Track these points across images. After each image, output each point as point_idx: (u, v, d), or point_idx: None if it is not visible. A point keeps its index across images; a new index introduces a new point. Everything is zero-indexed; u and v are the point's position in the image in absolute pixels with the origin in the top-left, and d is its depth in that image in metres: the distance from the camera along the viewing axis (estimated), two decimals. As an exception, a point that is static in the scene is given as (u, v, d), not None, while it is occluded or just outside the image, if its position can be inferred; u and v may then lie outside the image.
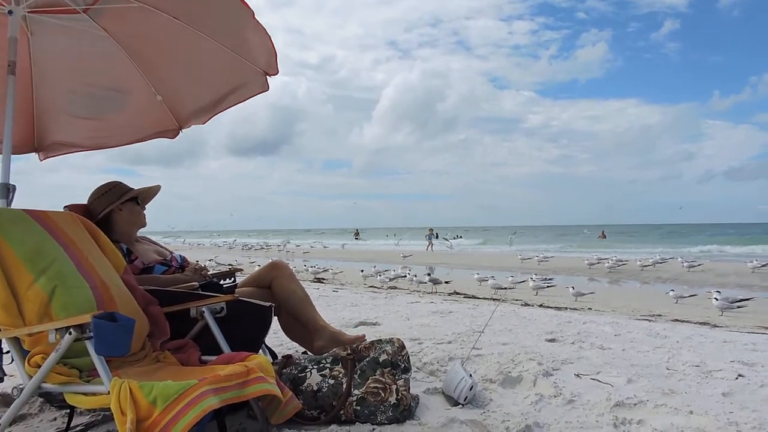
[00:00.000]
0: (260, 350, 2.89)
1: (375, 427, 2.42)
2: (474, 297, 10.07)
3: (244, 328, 2.66)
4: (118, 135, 3.71)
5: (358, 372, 2.56)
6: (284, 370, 2.60)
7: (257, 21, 2.69)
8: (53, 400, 2.63)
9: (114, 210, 2.95)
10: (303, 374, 2.57)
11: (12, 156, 2.73)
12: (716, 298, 9.34)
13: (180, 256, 3.17)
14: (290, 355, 2.76)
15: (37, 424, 2.55)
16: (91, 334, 1.77)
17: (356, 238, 58.95)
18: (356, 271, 15.94)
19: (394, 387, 2.49)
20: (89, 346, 1.80)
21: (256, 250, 37.89)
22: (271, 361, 2.66)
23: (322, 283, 13.33)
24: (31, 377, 1.94)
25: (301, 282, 3.25)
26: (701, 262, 18.56)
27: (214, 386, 1.82)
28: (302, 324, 3.10)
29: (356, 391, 2.49)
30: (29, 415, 2.63)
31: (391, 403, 2.45)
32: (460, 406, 2.68)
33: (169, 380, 1.79)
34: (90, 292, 2.23)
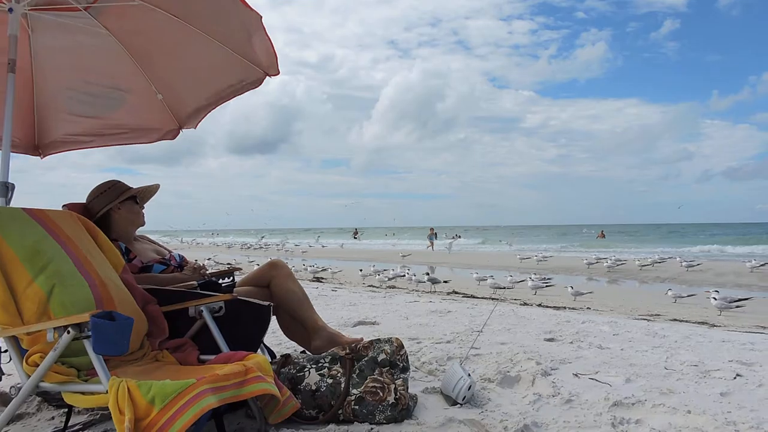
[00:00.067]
0: (259, 349, 2.89)
1: (373, 426, 2.42)
2: (473, 296, 10.07)
3: (243, 327, 2.66)
4: (119, 134, 3.71)
5: (357, 371, 2.55)
6: (282, 370, 2.60)
7: (261, 23, 2.68)
8: (51, 399, 2.64)
9: (113, 209, 2.94)
10: (301, 374, 2.57)
11: (11, 154, 2.72)
12: (715, 298, 9.36)
13: (179, 255, 3.17)
14: (289, 354, 2.75)
15: (35, 423, 2.54)
16: (90, 333, 1.77)
17: (355, 238, 58.92)
18: (355, 271, 15.94)
19: (392, 386, 2.49)
20: (87, 345, 1.80)
21: (255, 249, 37.89)
22: (270, 360, 2.66)
23: (321, 282, 13.33)
24: (29, 376, 1.94)
25: (299, 281, 3.25)
26: (700, 262, 18.59)
27: (213, 385, 1.82)
28: (301, 323, 3.10)
29: (354, 391, 2.49)
30: (27, 414, 2.63)
31: (390, 402, 2.45)
32: (459, 405, 2.68)
33: (167, 379, 1.78)
34: (89, 290, 2.23)
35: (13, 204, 2.65)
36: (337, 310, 6.30)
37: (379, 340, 2.70)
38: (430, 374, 3.27)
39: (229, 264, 17.25)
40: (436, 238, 38.73)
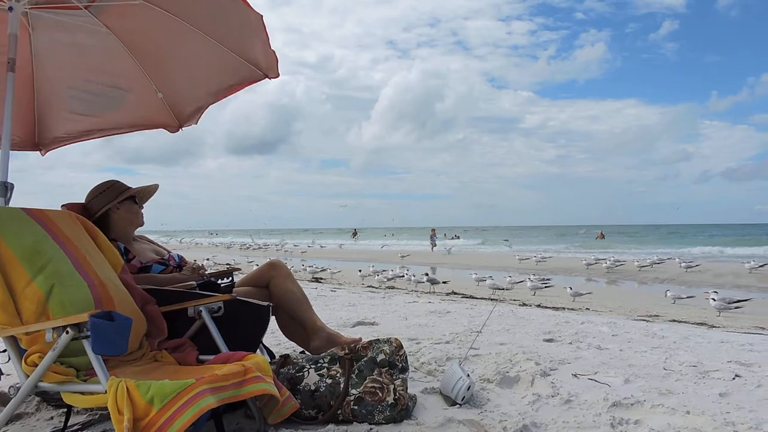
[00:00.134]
0: (258, 350, 2.89)
1: (372, 426, 2.41)
2: (472, 297, 10.08)
3: (242, 327, 2.66)
4: (119, 128, 3.72)
5: (356, 372, 2.55)
6: (282, 370, 2.59)
7: (262, 23, 2.68)
8: (50, 399, 2.64)
9: (111, 209, 2.94)
10: (300, 374, 2.57)
11: (10, 153, 2.72)
12: (714, 299, 9.37)
13: (178, 255, 3.17)
14: (288, 354, 2.75)
15: (34, 423, 2.54)
16: (89, 333, 1.76)
17: (354, 238, 58.91)
18: (354, 271, 15.94)
19: (391, 387, 2.49)
20: (86, 345, 1.80)
21: (254, 249, 37.88)
22: (269, 360, 2.66)
23: (320, 282, 13.34)
24: (28, 376, 1.93)
25: (298, 282, 3.25)
26: (699, 263, 18.60)
27: (212, 385, 1.82)
28: (300, 324, 3.10)
29: (354, 391, 2.49)
30: (26, 414, 2.63)
31: (389, 402, 2.45)
32: (458, 405, 2.67)
33: (166, 379, 1.78)
34: (88, 290, 2.22)
35: (12, 204, 2.64)
36: (336, 311, 6.30)
37: (378, 340, 2.70)
38: (429, 374, 3.27)
39: (228, 264, 17.25)
40: (436, 238, 38.78)
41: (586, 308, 8.95)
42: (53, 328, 1.85)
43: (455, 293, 11.05)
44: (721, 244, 36.84)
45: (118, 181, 3.05)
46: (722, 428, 2.43)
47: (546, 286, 12.39)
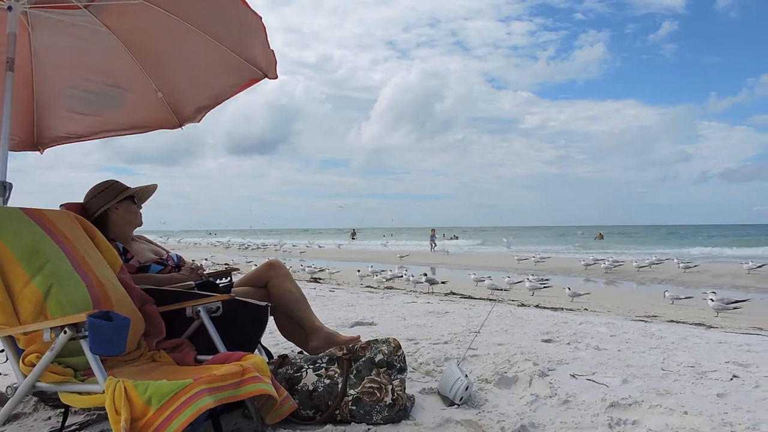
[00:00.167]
0: (256, 350, 2.89)
1: (370, 427, 2.41)
2: (470, 297, 10.08)
3: (240, 327, 2.66)
4: (119, 128, 3.72)
5: (354, 372, 2.55)
6: (280, 370, 2.59)
7: (261, 23, 2.68)
8: (48, 399, 2.63)
9: (110, 209, 2.94)
10: (299, 374, 2.57)
11: (9, 153, 2.72)
12: (712, 299, 9.38)
13: (176, 255, 3.17)
14: (286, 354, 2.75)
15: (32, 423, 2.54)
16: (86, 333, 1.76)
17: (353, 238, 58.91)
18: (353, 271, 15.95)
19: (389, 387, 2.49)
20: (84, 345, 1.80)
21: (252, 249, 37.88)
22: (267, 360, 2.66)
23: (319, 283, 13.34)
24: (25, 376, 1.93)
25: (297, 282, 3.25)
26: (697, 263, 18.63)
27: (210, 386, 1.82)
28: (298, 324, 3.10)
29: (352, 391, 2.49)
30: (23, 414, 2.62)
31: (387, 403, 2.45)
32: (456, 406, 2.68)
33: (164, 380, 1.78)
34: (86, 290, 2.22)
35: (11, 203, 2.64)
36: (335, 311, 6.30)
37: (376, 340, 2.70)
38: (428, 375, 3.27)
39: (226, 264, 17.24)
40: (436, 239, 38.82)
41: (585, 309, 8.96)
42: (51, 328, 1.85)
43: (454, 293, 11.05)
44: (720, 245, 36.90)
45: (117, 181, 3.05)
46: (720, 428, 2.44)
47: (544, 287, 12.40)
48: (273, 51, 2.90)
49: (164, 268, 2.96)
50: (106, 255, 2.55)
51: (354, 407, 2.45)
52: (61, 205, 2.86)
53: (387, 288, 12.37)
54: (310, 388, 2.51)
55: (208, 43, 2.97)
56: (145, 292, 2.56)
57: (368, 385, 2.49)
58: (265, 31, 2.74)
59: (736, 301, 9.53)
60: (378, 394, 2.46)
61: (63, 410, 2.41)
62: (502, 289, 12.31)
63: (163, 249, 3.21)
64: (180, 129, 3.63)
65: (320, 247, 40.92)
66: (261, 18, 2.65)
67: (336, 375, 2.54)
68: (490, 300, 9.58)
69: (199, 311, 2.49)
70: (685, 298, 11.02)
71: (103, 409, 1.72)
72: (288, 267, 3.27)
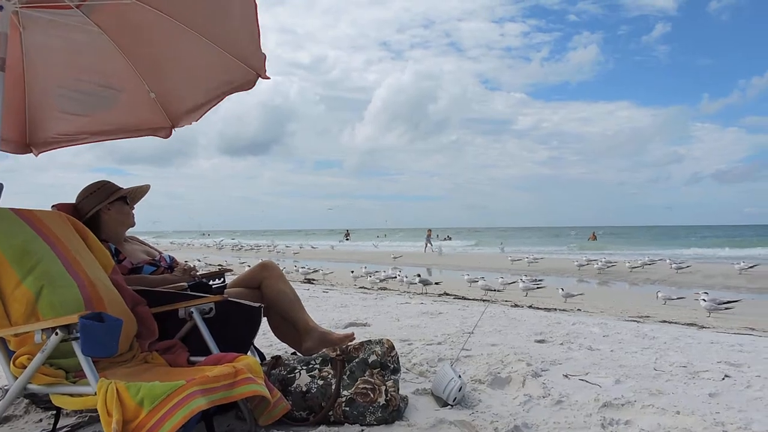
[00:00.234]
0: (249, 351, 2.88)
1: (364, 428, 2.41)
2: (464, 298, 10.09)
3: (233, 328, 2.65)
4: (111, 131, 3.69)
5: (348, 373, 2.55)
6: (273, 371, 2.59)
7: (256, 23, 2.68)
8: (39, 401, 2.61)
9: (102, 209, 2.93)
10: (292, 375, 2.56)
11: (0, 154, 2.70)
12: (704, 300, 9.42)
13: (169, 256, 3.15)
14: (279, 356, 2.75)
15: (23, 426, 2.52)
16: (78, 334, 1.75)
17: (347, 239, 58.89)
18: (347, 272, 15.93)
19: (383, 388, 2.49)
20: (76, 346, 1.79)
21: (246, 250, 37.78)
22: (260, 362, 2.66)
23: (313, 283, 13.31)
24: (16, 378, 1.92)
25: (291, 283, 3.24)
26: (689, 264, 18.70)
27: (202, 387, 1.81)
28: (292, 325, 3.09)
29: (345, 392, 2.48)
30: (14, 417, 2.61)
31: (380, 404, 2.45)
32: (449, 406, 2.68)
33: (156, 381, 1.78)
34: (78, 291, 2.21)
35: (2, 204, 2.62)
36: (329, 312, 6.29)
37: (370, 341, 2.70)
38: (421, 375, 3.27)
39: (219, 265, 17.20)
40: (430, 239, 38.86)
41: (578, 309, 8.98)
42: (42, 330, 1.84)
43: (447, 294, 11.06)
44: (712, 246, 37.08)
45: (109, 182, 3.04)
46: (712, 428, 2.45)
47: (538, 287, 12.42)
48: (262, 52, 2.89)
49: (157, 269, 2.95)
50: (98, 256, 2.54)
51: (347, 408, 2.45)
52: (53, 206, 2.84)
53: (381, 289, 12.37)
54: (304, 389, 2.51)
55: (200, 42, 2.96)
56: (138, 293, 2.55)
57: (362, 386, 2.49)
58: (258, 31, 2.74)
59: (728, 302, 9.57)
60: (371, 395, 2.46)
61: (54, 412, 2.40)
62: (495, 290, 12.33)
63: (156, 250, 3.20)
64: (172, 133, 3.61)
65: (313, 247, 40.86)
66: (257, 27, 2.65)
67: (329, 376, 2.54)
68: (484, 301, 9.60)
69: (192, 312, 2.48)
70: (678, 298, 11.06)
71: (95, 411, 1.72)
72: (281, 268, 3.27)
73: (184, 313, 2.52)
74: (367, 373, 2.55)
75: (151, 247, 3.21)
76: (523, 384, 3.08)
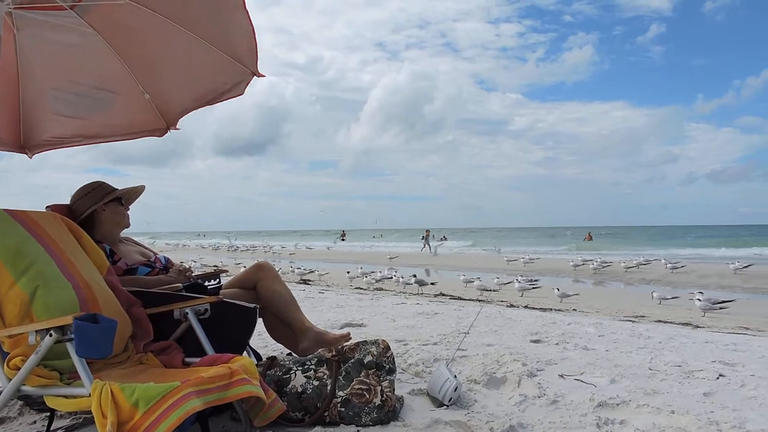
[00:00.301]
0: (245, 352, 2.88)
1: (359, 428, 2.41)
2: (460, 298, 10.10)
3: (229, 329, 2.64)
4: (106, 133, 3.68)
5: (343, 373, 2.55)
6: (268, 372, 2.59)
7: (250, 22, 2.67)
8: (33, 402, 2.61)
9: (97, 210, 2.92)
10: (287, 376, 2.56)
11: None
12: (699, 299, 9.46)
13: (164, 257, 3.15)
14: (275, 356, 2.75)
15: (17, 428, 2.52)
16: (72, 335, 1.75)
17: (342, 240, 58.85)
18: (342, 273, 15.92)
19: (378, 388, 2.49)
20: (70, 348, 1.78)
21: (242, 251, 37.72)
22: (256, 362, 2.65)
23: (308, 284, 13.31)
24: (10, 380, 1.91)
25: (286, 283, 3.24)
26: (684, 264, 18.76)
27: (197, 388, 1.81)
28: (287, 325, 3.09)
29: (341, 393, 2.48)
30: (8, 419, 2.60)
31: (376, 404, 2.45)
32: (445, 407, 2.68)
33: (151, 382, 1.77)
34: (72, 292, 2.20)
35: (-4, 205, 2.61)
36: (324, 312, 6.29)
37: (365, 341, 2.70)
38: (417, 376, 3.28)
39: (215, 266, 17.18)
40: (422, 239, 38.87)
41: (573, 309, 9.01)
42: (36, 331, 1.82)
43: (443, 294, 11.07)
44: (707, 246, 37.21)
45: (104, 182, 3.03)
46: (706, 427, 2.46)
47: (533, 287, 12.44)
48: (257, 47, 2.89)
49: (152, 270, 2.94)
50: (93, 257, 2.53)
51: (343, 409, 2.45)
52: (47, 207, 2.83)
53: (376, 289, 12.37)
54: (299, 389, 2.50)
55: (195, 42, 2.95)
56: (133, 295, 2.54)
57: (357, 386, 2.49)
58: (253, 31, 2.73)
59: (723, 301, 9.61)
60: (367, 396, 2.46)
61: (48, 414, 2.39)
62: (491, 290, 12.34)
63: (151, 251, 3.19)
64: (167, 133, 3.60)
65: (309, 248, 40.81)
66: (252, 26, 2.64)
67: (325, 377, 2.54)
68: (480, 301, 9.61)
69: (187, 313, 2.47)
70: (672, 298, 11.10)
71: (90, 412, 1.71)
72: (277, 268, 3.26)
73: (179, 314, 2.51)
74: (362, 373, 2.55)
75: (146, 248, 3.20)
76: (518, 384, 3.09)
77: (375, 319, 5.78)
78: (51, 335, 1.79)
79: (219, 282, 3.10)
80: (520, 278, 13.35)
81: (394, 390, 2.58)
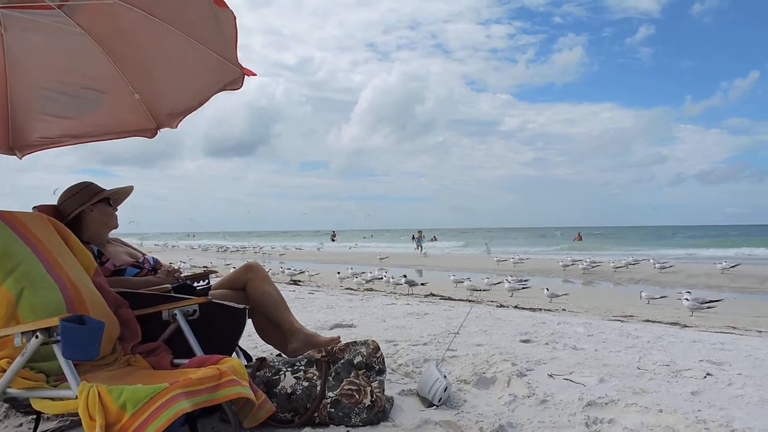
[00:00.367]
0: (234, 353, 2.87)
1: (349, 429, 2.41)
2: (450, 299, 10.12)
3: (218, 330, 2.63)
4: (96, 132, 3.66)
5: (333, 374, 2.55)
6: (258, 373, 2.58)
7: (235, 24, 2.66)
8: (19, 405, 2.57)
9: (85, 211, 2.90)
10: (277, 377, 2.55)
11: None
12: (687, 299, 9.53)
13: (153, 258, 3.13)
14: (264, 357, 2.74)
15: (2, 430, 2.49)
16: (59, 337, 1.73)
17: (333, 240, 58.79)
18: (333, 273, 15.90)
19: (368, 389, 2.49)
20: (57, 349, 1.77)
21: (231, 252, 37.58)
22: (245, 363, 2.64)
23: (298, 285, 13.28)
24: (-5, 382, 1.89)
25: (276, 284, 3.23)
26: (672, 264, 18.90)
27: (186, 389, 1.80)
28: (277, 326, 3.08)
29: (330, 394, 2.48)
30: (-6, 421, 2.57)
31: (366, 405, 2.45)
32: (435, 407, 2.68)
33: (139, 384, 1.76)
34: (59, 293, 2.19)
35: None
36: (314, 313, 6.28)
37: (355, 342, 2.69)
38: (407, 376, 3.28)
39: (205, 267, 17.09)
40: (412, 239, 38.91)
41: (563, 309, 9.04)
42: (22, 333, 1.81)
43: (433, 295, 11.08)
44: (694, 246, 37.49)
45: (92, 183, 3.01)
46: (694, 426, 2.48)
47: (523, 288, 12.48)
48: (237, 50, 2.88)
49: (140, 272, 2.92)
50: (80, 258, 2.51)
51: (333, 409, 2.45)
52: (34, 207, 2.80)
53: (367, 290, 12.37)
54: (289, 390, 2.50)
55: (184, 42, 2.93)
56: (121, 296, 2.52)
57: (347, 387, 2.49)
58: (236, 26, 2.72)
59: (710, 301, 9.69)
60: (357, 396, 2.46)
61: (35, 417, 2.36)
62: (481, 290, 12.37)
63: (140, 252, 3.17)
64: (157, 134, 3.58)
65: (299, 249, 40.71)
66: (235, 19, 2.63)
67: (314, 377, 2.53)
68: (469, 301, 9.63)
69: (176, 314, 2.46)
70: (661, 297, 11.17)
71: (77, 415, 1.70)
72: (267, 269, 3.25)
73: (167, 315, 2.50)
74: (352, 374, 2.54)
75: (134, 249, 3.18)
76: (508, 384, 3.10)
77: (365, 319, 5.77)
78: (37, 337, 1.77)
79: (208, 283, 3.09)
80: (510, 278, 13.38)
81: (384, 390, 2.58)
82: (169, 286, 2.78)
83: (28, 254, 2.23)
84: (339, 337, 3.04)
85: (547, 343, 4.35)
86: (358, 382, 2.51)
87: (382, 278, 13.87)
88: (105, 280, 2.55)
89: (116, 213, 3.05)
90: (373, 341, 2.71)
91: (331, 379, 2.53)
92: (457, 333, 4.41)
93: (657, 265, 18.38)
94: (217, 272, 3.50)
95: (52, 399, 1.85)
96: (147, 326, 2.51)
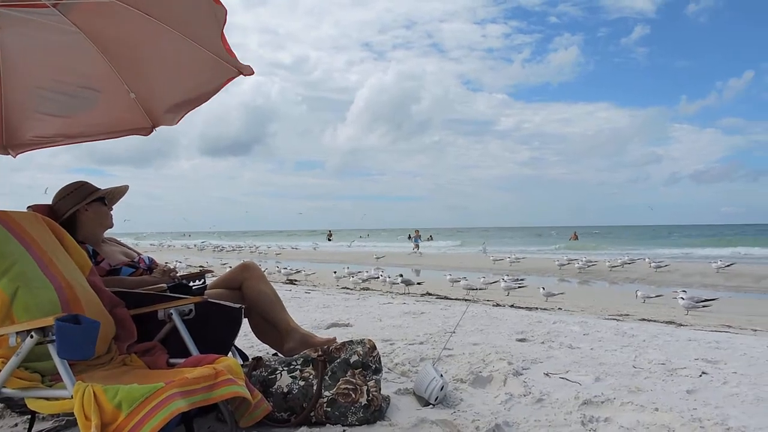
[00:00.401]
0: (230, 352, 2.86)
1: (345, 428, 2.41)
2: (446, 298, 10.12)
3: (213, 330, 2.63)
4: (91, 131, 3.65)
5: (329, 373, 2.54)
6: (254, 372, 2.57)
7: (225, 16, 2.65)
8: (14, 405, 2.57)
9: (80, 210, 2.89)
10: (273, 376, 2.55)
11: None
12: (682, 298, 9.56)
13: (148, 257, 3.12)
14: (260, 357, 2.73)
15: (-2, 431, 2.48)
16: (54, 337, 1.73)
17: (329, 240, 58.76)
18: (329, 273, 15.89)
19: (365, 388, 2.49)
20: (52, 349, 1.76)
21: (227, 251, 37.52)
22: (241, 363, 2.64)
23: (295, 284, 13.26)
24: (-10, 382, 1.88)
25: (273, 283, 3.23)
26: (668, 263, 18.96)
27: (182, 389, 1.79)
28: (273, 326, 3.07)
29: (327, 393, 2.48)
30: (-11, 421, 2.56)
31: (362, 404, 2.45)
32: (431, 406, 2.68)
33: (134, 384, 1.75)
34: (54, 293, 2.18)
35: (-23, 205, 2.57)
36: (311, 312, 6.28)
37: (351, 341, 2.69)
38: (403, 375, 3.28)
39: (200, 266, 17.06)
40: (409, 239, 38.95)
41: (559, 308, 9.06)
42: (17, 333, 1.80)
43: (430, 294, 11.08)
44: (690, 245, 37.62)
45: (87, 182, 3.00)
46: (689, 424, 2.49)
47: (519, 287, 12.50)
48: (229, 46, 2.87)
49: (136, 271, 2.91)
50: (75, 257, 2.51)
51: (329, 409, 2.44)
52: (29, 207, 2.79)
53: (363, 289, 12.37)
54: (285, 390, 2.49)
55: (180, 40, 2.92)
56: (116, 295, 2.52)
57: (343, 386, 2.48)
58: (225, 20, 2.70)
59: (706, 300, 9.72)
60: (353, 395, 2.46)
61: (30, 417, 2.36)
62: (477, 289, 12.38)
63: (135, 251, 3.16)
64: (153, 131, 3.57)
65: (295, 248, 40.67)
66: (226, 11, 2.62)
67: (311, 377, 2.53)
68: (466, 300, 9.63)
69: (172, 314, 2.46)
70: (656, 296, 11.21)
71: (72, 415, 1.69)
72: (263, 269, 3.25)
73: (163, 315, 2.49)
74: (348, 373, 2.54)
75: (129, 249, 3.17)
76: (504, 383, 3.10)
77: (361, 318, 5.77)
78: (32, 337, 1.77)
79: (204, 282, 3.08)
80: (506, 277, 13.41)
81: (380, 389, 2.58)
82: (164, 285, 2.78)
83: (22, 254, 2.22)
84: (335, 338, 3.04)
85: (543, 342, 4.36)
86: (354, 381, 2.50)
87: (378, 277, 13.87)
88: (100, 280, 2.55)
89: (111, 212, 3.04)
90: (370, 340, 2.71)
91: (327, 378, 2.52)
92: (454, 332, 4.41)
93: (652, 265, 18.44)
94: (213, 272, 3.49)
95: (48, 399, 1.84)
96: (143, 326, 2.50)
